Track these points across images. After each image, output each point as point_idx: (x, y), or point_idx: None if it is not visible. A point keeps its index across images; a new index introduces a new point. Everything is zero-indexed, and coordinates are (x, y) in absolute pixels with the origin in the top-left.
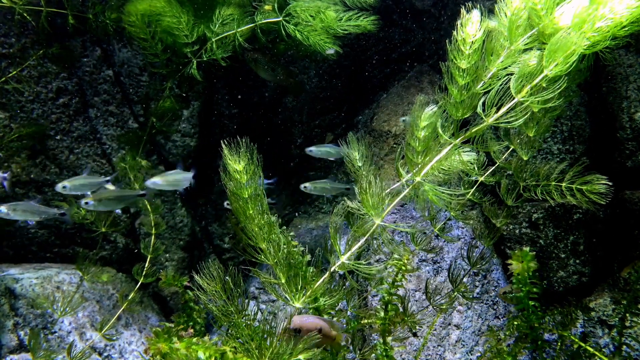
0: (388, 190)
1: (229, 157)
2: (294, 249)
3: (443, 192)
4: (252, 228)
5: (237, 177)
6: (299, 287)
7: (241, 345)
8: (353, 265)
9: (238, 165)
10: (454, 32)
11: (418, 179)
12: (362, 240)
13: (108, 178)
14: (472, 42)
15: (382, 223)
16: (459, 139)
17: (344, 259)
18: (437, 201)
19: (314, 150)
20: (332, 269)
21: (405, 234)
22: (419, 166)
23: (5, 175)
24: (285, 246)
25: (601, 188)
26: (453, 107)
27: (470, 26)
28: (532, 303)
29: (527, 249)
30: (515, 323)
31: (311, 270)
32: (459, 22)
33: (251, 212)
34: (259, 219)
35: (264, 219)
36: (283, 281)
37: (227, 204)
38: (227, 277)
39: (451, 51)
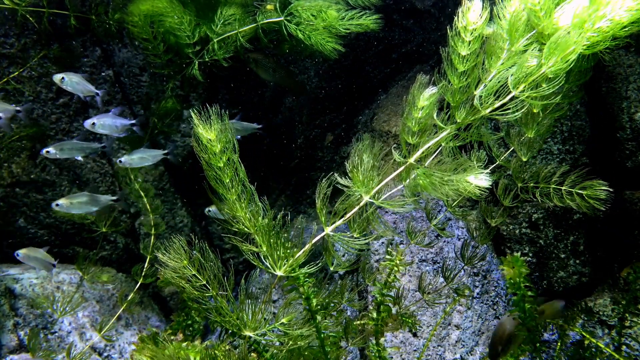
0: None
1: (200, 127)
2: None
3: (434, 175)
4: (230, 197)
5: (210, 147)
6: (281, 255)
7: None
8: (336, 237)
9: (210, 134)
10: (455, 19)
11: (411, 160)
12: (350, 214)
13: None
14: (474, 29)
15: (371, 200)
16: (454, 125)
17: (328, 230)
18: (429, 188)
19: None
20: (315, 240)
21: (405, 235)
22: (413, 147)
23: (100, 92)
24: (264, 212)
25: (602, 194)
26: (450, 94)
27: (472, 14)
28: (529, 306)
29: (518, 254)
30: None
31: (288, 236)
32: (460, 9)
33: (227, 181)
34: (237, 188)
35: (242, 187)
36: (264, 249)
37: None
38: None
39: (452, 37)
